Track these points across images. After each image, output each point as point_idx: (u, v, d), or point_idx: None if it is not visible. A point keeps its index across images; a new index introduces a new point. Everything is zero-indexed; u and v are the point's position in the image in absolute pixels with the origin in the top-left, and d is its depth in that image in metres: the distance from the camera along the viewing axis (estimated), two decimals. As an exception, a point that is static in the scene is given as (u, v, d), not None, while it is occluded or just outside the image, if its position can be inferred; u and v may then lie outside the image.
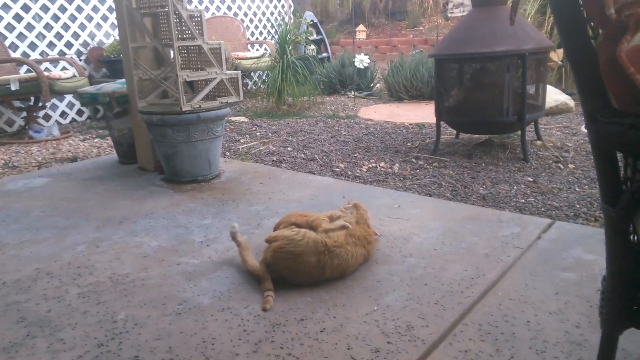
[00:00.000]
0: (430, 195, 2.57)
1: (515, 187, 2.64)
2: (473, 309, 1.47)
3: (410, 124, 4.45)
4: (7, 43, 4.68)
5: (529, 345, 1.29)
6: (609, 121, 0.84)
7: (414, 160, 3.26)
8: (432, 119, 3.66)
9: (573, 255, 1.78)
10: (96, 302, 1.57)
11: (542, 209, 2.32)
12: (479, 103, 3.30)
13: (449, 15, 9.51)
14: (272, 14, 7.45)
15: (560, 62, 5.29)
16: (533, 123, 3.42)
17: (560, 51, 5.22)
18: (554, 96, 4.57)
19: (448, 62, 3.26)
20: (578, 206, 2.34)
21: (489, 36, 2.99)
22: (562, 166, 2.96)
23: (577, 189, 2.57)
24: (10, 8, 4.71)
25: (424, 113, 4.96)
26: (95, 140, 4.32)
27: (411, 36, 9.01)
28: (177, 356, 1.29)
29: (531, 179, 2.76)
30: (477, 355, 1.26)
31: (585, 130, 3.21)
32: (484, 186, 2.68)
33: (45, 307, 1.55)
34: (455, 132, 3.77)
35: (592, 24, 0.87)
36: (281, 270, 1.60)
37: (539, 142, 3.48)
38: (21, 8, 4.77)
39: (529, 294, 1.54)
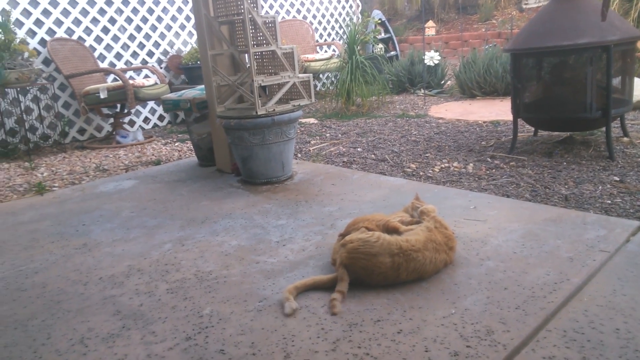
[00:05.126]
0: (508, 196, 2.49)
1: (600, 187, 2.50)
2: (557, 314, 1.42)
3: (484, 122, 4.32)
4: (96, 54, 5.06)
5: (619, 354, 1.23)
6: None
7: (489, 159, 3.17)
8: (508, 116, 3.54)
9: (668, 260, 1.67)
10: (183, 298, 1.68)
11: (631, 211, 2.18)
12: (559, 99, 3.15)
13: (524, 6, 9.11)
14: (340, 14, 7.50)
15: (649, 52, 4.92)
16: (619, 119, 3.22)
17: (650, 40, 4.84)
18: (643, 89, 4.26)
19: (526, 56, 3.13)
20: (672, 207, 2.19)
21: (570, 28, 2.85)
22: (653, 164, 2.77)
23: (671, 189, 2.40)
24: (99, 21, 5.07)
25: (498, 110, 4.80)
26: (176, 144, 4.56)
27: (483, 30, 8.73)
28: (260, 351, 1.35)
29: (618, 179, 2.60)
30: (562, 362, 1.22)
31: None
32: (566, 186, 2.56)
33: (138, 302, 1.68)
34: (533, 129, 3.62)
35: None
36: (357, 271, 1.63)
37: (625, 139, 3.27)
38: (108, 21, 5.13)
39: (618, 300, 1.46)
